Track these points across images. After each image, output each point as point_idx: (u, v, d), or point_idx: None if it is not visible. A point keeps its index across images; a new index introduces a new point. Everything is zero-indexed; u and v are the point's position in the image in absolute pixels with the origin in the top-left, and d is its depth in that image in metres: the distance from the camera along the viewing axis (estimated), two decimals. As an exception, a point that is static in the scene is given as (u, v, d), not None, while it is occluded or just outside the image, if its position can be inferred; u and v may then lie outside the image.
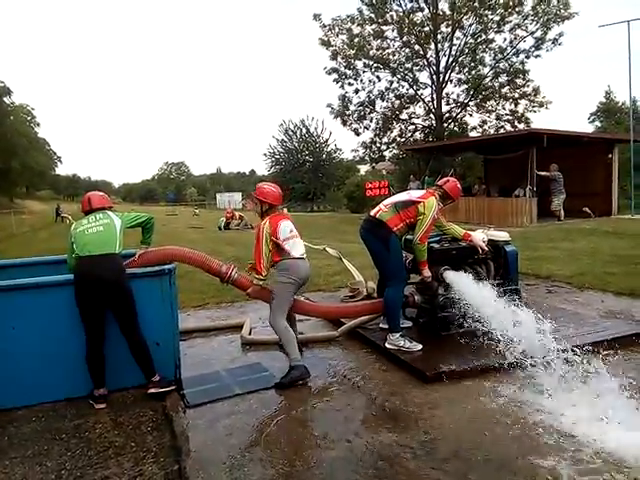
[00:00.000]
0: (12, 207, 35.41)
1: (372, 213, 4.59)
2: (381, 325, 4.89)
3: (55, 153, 63.64)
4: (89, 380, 3.62)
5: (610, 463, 2.64)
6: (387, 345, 4.39)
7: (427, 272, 4.51)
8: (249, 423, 3.30)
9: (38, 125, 54.32)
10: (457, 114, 28.78)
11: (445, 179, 4.91)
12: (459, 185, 4.85)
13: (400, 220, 4.40)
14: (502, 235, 5.10)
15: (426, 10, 25.60)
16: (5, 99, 42.01)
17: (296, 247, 4.14)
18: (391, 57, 27.60)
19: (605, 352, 4.02)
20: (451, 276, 4.53)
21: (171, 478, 2.72)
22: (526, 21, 24.80)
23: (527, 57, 25.77)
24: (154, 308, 3.80)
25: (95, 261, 3.56)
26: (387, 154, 30.37)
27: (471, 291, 4.28)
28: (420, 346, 4.32)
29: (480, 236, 4.85)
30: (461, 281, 4.44)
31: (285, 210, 4.40)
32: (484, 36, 26.02)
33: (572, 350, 3.53)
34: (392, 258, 4.40)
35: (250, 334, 5.00)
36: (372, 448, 2.92)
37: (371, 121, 29.06)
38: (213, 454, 2.93)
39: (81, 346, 3.58)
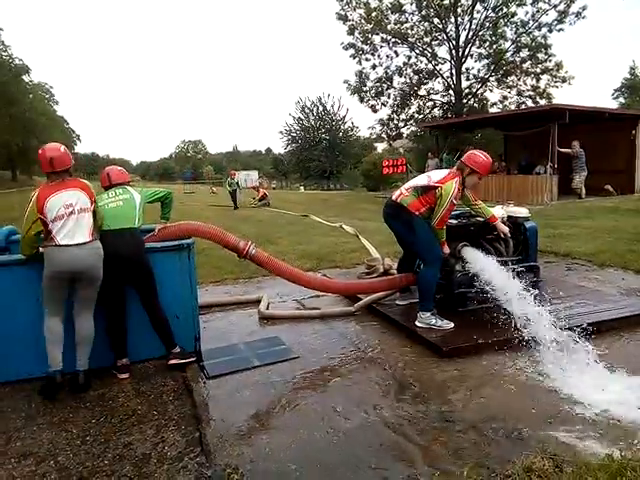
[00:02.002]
0: (31, 184, 35.87)
1: (394, 197, 4.50)
2: (397, 302, 4.90)
3: (74, 131, 63.76)
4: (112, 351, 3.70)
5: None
6: (417, 323, 4.31)
7: (445, 248, 4.48)
8: (267, 394, 3.36)
9: (57, 103, 54.43)
10: (477, 90, 28.27)
11: (470, 153, 4.48)
12: (483, 157, 4.37)
13: (421, 204, 4.31)
14: (522, 211, 5.03)
15: (446, -18, 25.04)
16: (24, 77, 42.14)
17: (66, 230, 3.29)
18: (409, 31, 27.12)
19: (623, 329, 3.99)
20: (469, 252, 4.50)
21: (192, 445, 2.80)
22: (549, -7, 24.09)
23: (549, 31, 25.13)
24: (173, 282, 3.87)
25: (114, 236, 3.62)
26: (405, 131, 30.07)
27: (488, 268, 4.25)
28: (452, 324, 4.23)
29: (499, 212, 4.79)
30: (478, 257, 4.40)
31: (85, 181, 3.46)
32: (505, 9, 25.38)
33: (588, 327, 3.51)
34: (420, 239, 4.33)
35: (268, 309, 5.06)
36: (388, 420, 2.96)
37: (388, 97, 28.77)
38: (233, 423, 3.00)
39: (103, 317, 3.65)
